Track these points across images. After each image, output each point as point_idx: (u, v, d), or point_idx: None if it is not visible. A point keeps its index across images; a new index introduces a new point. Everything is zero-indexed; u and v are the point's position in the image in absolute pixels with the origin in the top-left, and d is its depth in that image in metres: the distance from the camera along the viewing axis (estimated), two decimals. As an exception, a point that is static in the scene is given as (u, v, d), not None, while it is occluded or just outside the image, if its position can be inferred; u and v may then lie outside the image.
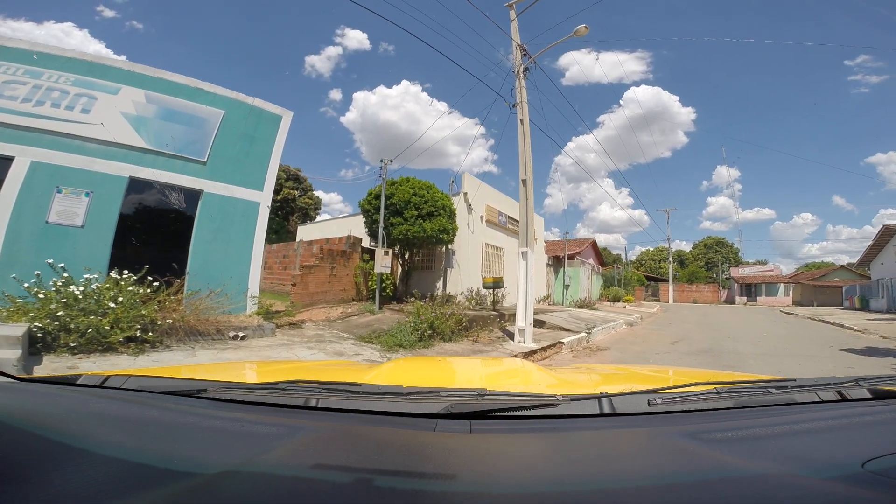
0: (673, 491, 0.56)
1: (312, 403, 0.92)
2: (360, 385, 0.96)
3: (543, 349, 7.39)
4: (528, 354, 6.87)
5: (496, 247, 15.32)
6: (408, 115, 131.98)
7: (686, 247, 59.88)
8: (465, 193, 13.42)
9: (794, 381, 1.08)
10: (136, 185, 6.36)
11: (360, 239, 12.89)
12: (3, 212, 5.28)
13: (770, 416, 0.94)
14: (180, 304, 5.54)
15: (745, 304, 35.13)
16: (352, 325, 8.46)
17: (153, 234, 6.72)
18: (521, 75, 9.50)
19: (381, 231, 10.69)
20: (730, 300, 39.83)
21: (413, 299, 10.19)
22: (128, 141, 6.32)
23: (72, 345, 4.27)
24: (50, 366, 3.88)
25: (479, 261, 14.31)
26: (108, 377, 1.05)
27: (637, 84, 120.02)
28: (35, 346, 4.19)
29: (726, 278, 44.91)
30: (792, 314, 20.20)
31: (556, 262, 21.00)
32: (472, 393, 0.91)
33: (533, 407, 0.88)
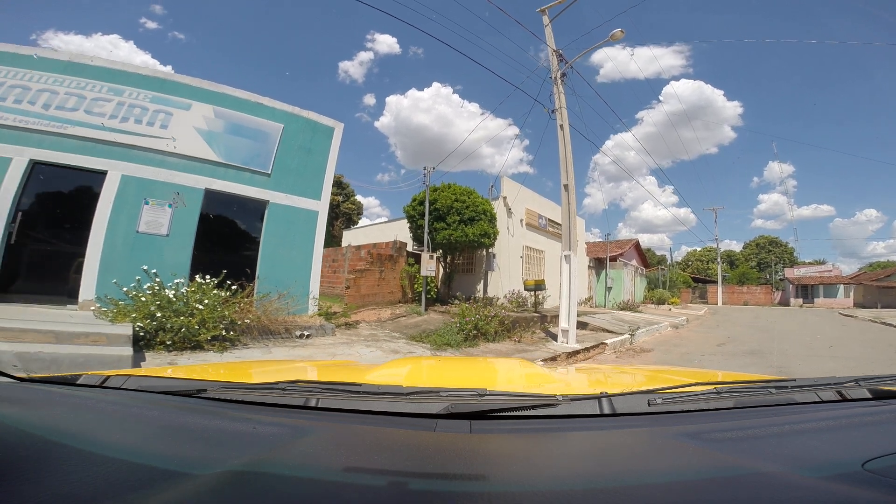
0: (673, 491, 0.56)
1: (312, 403, 0.93)
2: (360, 385, 0.97)
3: (587, 349, 7.54)
4: (572, 355, 7.07)
5: (537, 249, 15.46)
6: (440, 117, 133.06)
7: (736, 247, 57.33)
8: (505, 198, 13.68)
9: (794, 381, 1.10)
10: (210, 196, 6.98)
11: (405, 243, 13.41)
12: (100, 222, 6.00)
13: (770, 416, 0.94)
14: (252, 306, 6.15)
15: (801, 307, 33.24)
16: (401, 326, 8.92)
17: (226, 242, 7.35)
18: (559, 81, 9.60)
19: (426, 236, 11.16)
20: (784, 302, 37.81)
21: (457, 301, 10.56)
22: (202, 155, 6.96)
23: (167, 343, 4.81)
24: (153, 361, 4.43)
25: (520, 263, 14.49)
26: (107, 377, 1.07)
27: (677, 79, 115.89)
28: (137, 345, 4.66)
29: (780, 279, 42.62)
30: (851, 316, 19.11)
31: (598, 264, 20.82)
32: (473, 393, 0.91)
33: (533, 407, 0.88)
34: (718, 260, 39.22)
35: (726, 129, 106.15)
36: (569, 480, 0.61)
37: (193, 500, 0.50)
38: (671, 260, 42.48)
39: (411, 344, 7.03)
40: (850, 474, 0.60)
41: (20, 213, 5.64)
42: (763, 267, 49.34)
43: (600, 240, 22.67)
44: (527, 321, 9.73)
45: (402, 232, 15.07)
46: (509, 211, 13.74)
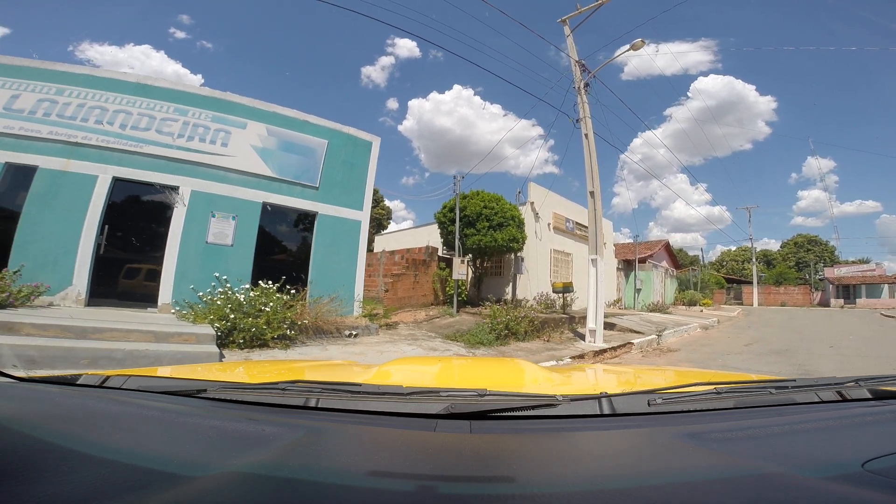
0: (673, 491, 0.56)
1: (312, 403, 0.93)
2: (360, 385, 0.98)
3: (613, 349, 7.89)
4: (599, 353, 7.44)
5: (564, 252, 15.77)
6: (462, 119, 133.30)
7: (775, 246, 55.55)
8: (532, 203, 14.08)
9: (794, 381, 1.10)
10: (267, 209, 7.70)
11: (437, 248, 13.99)
12: (175, 234, 6.78)
13: (770, 416, 0.95)
14: (306, 308, 6.83)
15: (842, 307, 32.05)
16: (436, 326, 9.46)
17: (282, 250, 8.07)
18: (582, 91, 9.84)
19: (457, 242, 11.72)
20: (824, 303, 36.50)
21: (487, 303, 11.03)
22: (258, 171, 7.68)
23: (240, 341, 5.46)
24: (230, 357, 5.07)
25: (548, 266, 14.84)
26: (107, 377, 1.07)
27: (705, 74, 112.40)
28: (214, 343, 5.48)
29: (820, 279, 41.12)
30: (893, 317, 18.55)
31: (627, 266, 20.87)
32: (473, 393, 0.91)
33: (533, 407, 0.89)
34: (753, 260, 38.27)
35: (760, 124, 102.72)
36: (570, 481, 0.61)
37: (193, 501, 0.51)
38: (703, 260, 41.54)
39: (447, 342, 7.57)
40: (850, 474, 0.61)
41: (106, 226, 6.48)
42: (802, 267, 47.64)
43: (630, 240, 22.70)
44: (555, 322, 10.11)
45: (431, 236, 15.68)
46: (536, 216, 14.13)
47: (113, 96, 6.93)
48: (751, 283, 36.80)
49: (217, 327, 5.44)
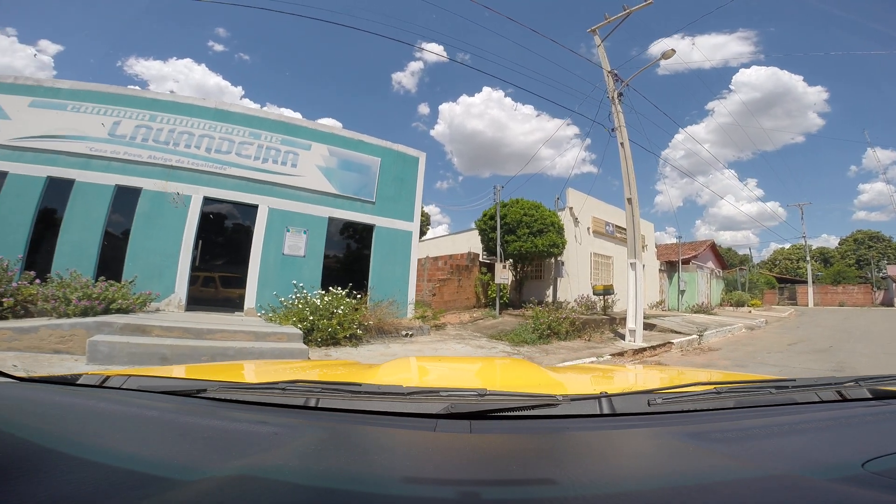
0: (672, 491, 0.57)
1: (312, 403, 0.93)
2: (360, 385, 0.98)
3: (653, 347, 8.22)
4: (638, 352, 7.83)
5: (604, 255, 16.00)
6: (493, 121, 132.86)
7: (834, 242, 52.54)
8: (571, 208, 14.46)
9: (794, 381, 1.11)
10: (332, 223, 8.61)
11: (478, 254, 14.64)
12: (256, 247, 7.77)
13: (770, 416, 0.95)
14: (367, 311, 7.66)
15: (909, 307, 30.10)
16: (480, 327, 10.09)
17: (346, 260, 8.98)
18: (616, 100, 10.05)
19: (499, 249, 12.35)
20: (887, 302, 34.18)
21: (529, 305, 11.54)
22: (324, 188, 8.59)
23: (318, 340, 6.27)
24: (314, 354, 5.96)
25: (588, 269, 15.11)
26: (107, 377, 1.07)
27: (746, 66, 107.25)
28: (302, 341, 6.23)
29: (882, 277, 38.59)
30: (964, 317, 17.51)
31: (670, 268, 20.70)
32: (473, 393, 0.92)
33: (533, 407, 0.89)
34: (807, 258, 36.51)
35: (811, 115, 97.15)
36: (569, 481, 0.60)
37: (193, 501, 0.51)
38: (752, 259, 40.01)
39: (492, 341, 8.18)
40: (850, 474, 0.61)
41: (200, 241, 7.56)
42: (862, 264, 44.84)
43: (674, 241, 22.46)
44: (596, 323, 10.49)
45: (470, 242, 16.34)
46: (576, 220, 14.51)
47: (197, 122, 7.96)
48: (805, 282, 35.15)
49: (300, 328, 6.26)
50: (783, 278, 41.00)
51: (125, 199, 7.34)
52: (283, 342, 5.48)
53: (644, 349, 8.02)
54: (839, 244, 51.12)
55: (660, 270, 20.30)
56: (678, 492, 0.56)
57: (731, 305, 22.29)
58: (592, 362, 6.56)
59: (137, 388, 1.03)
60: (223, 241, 7.97)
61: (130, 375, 1.08)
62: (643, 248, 18.25)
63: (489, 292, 13.47)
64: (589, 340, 8.95)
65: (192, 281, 7.40)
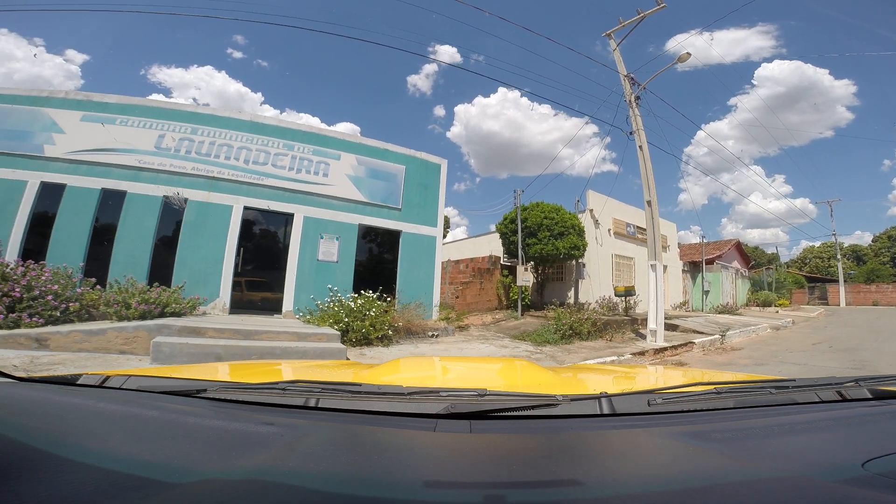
0: (672, 491, 0.57)
1: (312, 403, 0.94)
2: (360, 385, 0.99)
3: (674, 347, 8.36)
4: (659, 351, 8.00)
5: (626, 257, 16.05)
6: (510, 122, 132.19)
7: (867, 239, 50.78)
8: (591, 210, 14.60)
9: (794, 381, 1.11)
10: (362, 229, 9.06)
11: (499, 257, 14.92)
12: (293, 253, 8.26)
13: (770, 417, 0.96)
14: (396, 313, 8.06)
15: (949, 307, 28.97)
16: (503, 328, 10.38)
17: (375, 264, 9.44)
18: (634, 104, 10.16)
19: (520, 252, 12.62)
20: (926, 302, 33.06)
21: (551, 307, 11.76)
22: (353, 197, 9.05)
23: (353, 340, 6.69)
24: (350, 353, 6.31)
25: (610, 271, 15.17)
26: (107, 377, 1.08)
27: (768, 60, 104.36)
28: (339, 341, 6.64)
29: (920, 276, 37.25)
30: None
31: (693, 268, 20.59)
32: (473, 393, 0.92)
33: (533, 407, 0.90)
34: (838, 256, 35.47)
35: (840, 109, 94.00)
36: (568, 481, 0.61)
37: (193, 501, 0.52)
38: (780, 258, 39.06)
39: (515, 341, 8.47)
40: (850, 474, 0.61)
41: (241, 248, 8.09)
42: (899, 262, 43.31)
43: (700, 239, 22.25)
44: (618, 324, 10.65)
45: (490, 244, 16.64)
46: (596, 222, 14.64)
47: (234, 134, 8.48)
48: (836, 281, 34.19)
49: (336, 329, 6.67)
50: (813, 277, 39.92)
51: (173, 209, 7.90)
52: (323, 342, 5.90)
53: (665, 349, 8.19)
54: (873, 241, 49.44)
55: (683, 271, 20.19)
56: (680, 494, 0.56)
57: (757, 306, 21.96)
58: (613, 361, 6.78)
59: (137, 389, 1.03)
60: (262, 248, 8.50)
61: (130, 375, 1.09)
62: (665, 248, 18.29)
63: (511, 294, 13.74)
64: (610, 340, 9.14)
65: (235, 286, 7.92)
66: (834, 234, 34.64)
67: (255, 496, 0.53)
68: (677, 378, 1.66)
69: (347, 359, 5.64)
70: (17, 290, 5.77)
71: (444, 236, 36.15)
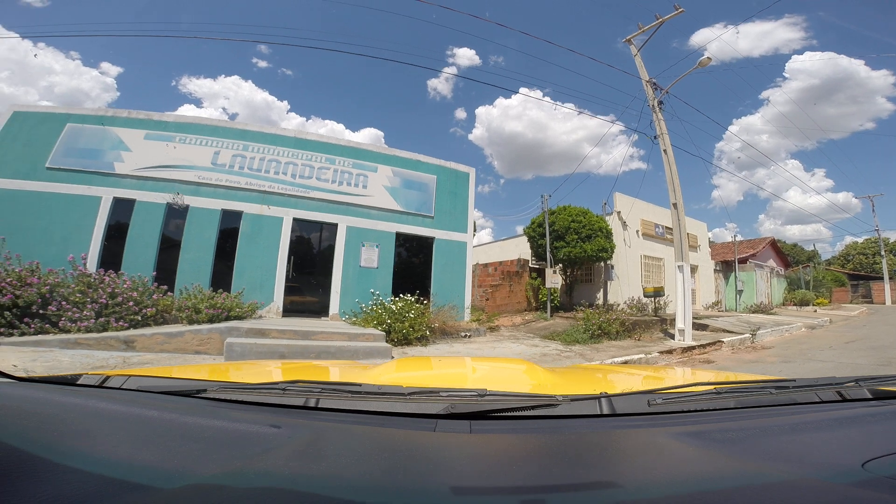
0: (670, 492, 0.57)
1: (312, 403, 0.94)
2: (360, 385, 1.00)
3: (702, 346, 8.55)
4: (687, 350, 8.23)
5: (655, 258, 16.15)
6: (533, 122, 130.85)
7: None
8: (619, 212, 14.82)
9: (795, 381, 1.12)
10: (399, 237, 9.71)
11: (528, 260, 15.31)
12: (338, 260, 8.97)
13: (770, 417, 0.96)
14: (431, 315, 8.62)
15: None
16: (533, 329, 10.78)
17: (411, 269, 10.09)
18: (657, 108, 10.35)
19: (548, 255, 13.02)
20: (982, 300, 31.27)
21: (580, 308, 12.06)
22: (390, 206, 9.70)
23: (394, 340, 7.28)
24: (393, 352, 6.89)
25: (639, 272, 15.36)
26: (107, 377, 1.09)
27: (799, 52, 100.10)
28: (384, 341, 7.22)
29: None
30: None
31: (726, 267, 20.40)
32: (473, 393, 0.93)
33: (533, 407, 0.90)
34: (882, 253, 34.00)
35: (880, 100, 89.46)
36: (568, 481, 0.61)
37: (192, 501, 0.53)
38: (822, 255, 37.70)
39: (545, 341, 8.87)
40: (850, 474, 0.62)
41: (292, 257, 8.82)
42: (952, 258, 41.00)
43: (738, 237, 21.96)
44: (646, 324, 10.87)
45: (518, 248, 17.02)
46: (624, 224, 14.85)
47: (281, 150, 9.23)
48: (881, 278, 32.81)
49: (380, 330, 7.31)
50: (857, 275, 38.25)
51: (230, 221, 8.70)
52: (371, 342, 6.50)
53: (693, 347, 8.40)
54: (923, 235, 46.91)
55: (715, 270, 20.03)
56: (675, 491, 0.57)
57: (794, 305, 21.52)
58: (640, 359, 7.10)
59: (137, 389, 1.04)
60: (310, 256, 9.26)
61: (130, 376, 1.09)
62: (695, 248, 18.24)
63: (540, 296, 14.12)
64: (639, 340, 9.40)
65: (287, 291, 8.67)
66: (877, 230, 33.25)
67: (255, 497, 0.53)
68: (678, 378, 1.66)
69: (392, 357, 6.19)
70: (104, 297, 6.60)
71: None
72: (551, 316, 12.67)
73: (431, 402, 0.92)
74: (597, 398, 0.94)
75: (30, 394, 0.95)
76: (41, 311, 6.32)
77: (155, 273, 7.92)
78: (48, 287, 6.48)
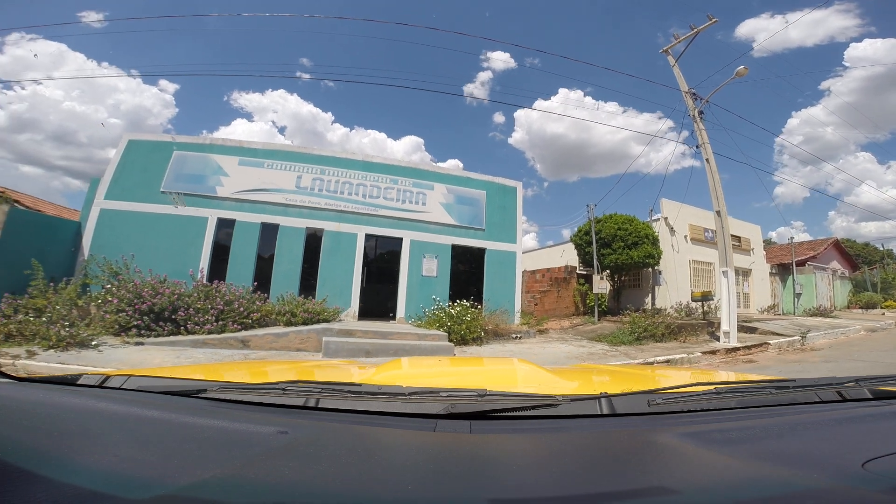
0: (670, 491, 0.58)
1: (312, 403, 0.95)
2: (360, 385, 1.01)
3: (747, 347, 8.92)
4: (731, 351, 8.67)
5: (705, 262, 16.21)
6: (575, 123, 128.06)
7: None
8: (665, 218, 15.18)
9: (795, 381, 1.12)
10: (454, 248, 10.88)
11: (575, 267, 15.98)
12: (403, 270, 10.26)
13: (770, 417, 0.97)
14: (484, 318, 9.62)
15: None
16: (580, 331, 11.49)
17: (465, 277, 11.29)
18: (698, 118, 10.69)
19: (595, 262, 13.71)
20: None
21: (627, 312, 12.62)
22: (446, 221, 10.89)
23: (454, 340, 8.36)
24: (455, 350, 8.01)
25: (688, 276, 15.58)
26: (107, 377, 1.10)
27: (857, 40, 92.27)
28: (447, 340, 8.34)
29: None
30: None
31: (783, 270, 20.01)
32: (473, 393, 0.93)
33: (533, 407, 0.91)
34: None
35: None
36: (568, 481, 0.62)
37: (195, 499, 0.53)
38: (890, 256, 35.18)
39: (592, 342, 9.61)
40: (850, 474, 0.62)
41: (365, 267, 10.16)
42: None
43: (810, 235, 21.42)
44: (693, 327, 11.24)
45: (565, 253, 17.72)
46: (672, 230, 15.18)
47: (352, 173, 10.62)
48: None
49: (441, 331, 8.42)
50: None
51: (313, 238, 10.20)
52: (436, 341, 7.62)
53: (737, 349, 8.79)
54: None
55: (771, 274, 19.67)
56: (674, 490, 0.58)
57: (860, 308, 20.61)
58: (682, 359, 7.72)
59: (137, 389, 1.05)
60: (380, 267, 10.73)
61: (130, 376, 1.10)
62: (749, 251, 18.12)
63: (588, 301, 14.74)
64: (684, 342, 9.88)
65: (361, 297, 10.01)
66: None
67: (255, 497, 0.54)
68: (679, 378, 1.68)
69: (454, 355, 7.19)
70: (220, 303, 8.09)
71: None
72: (599, 320, 13.30)
73: (431, 402, 0.93)
74: (597, 398, 0.95)
75: (30, 394, 0.95)
76: (172, 317, 7.84)
77: (255, 283, 9.40)
78: (176, 296, 8.02)
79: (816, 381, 1.13)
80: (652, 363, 7.28)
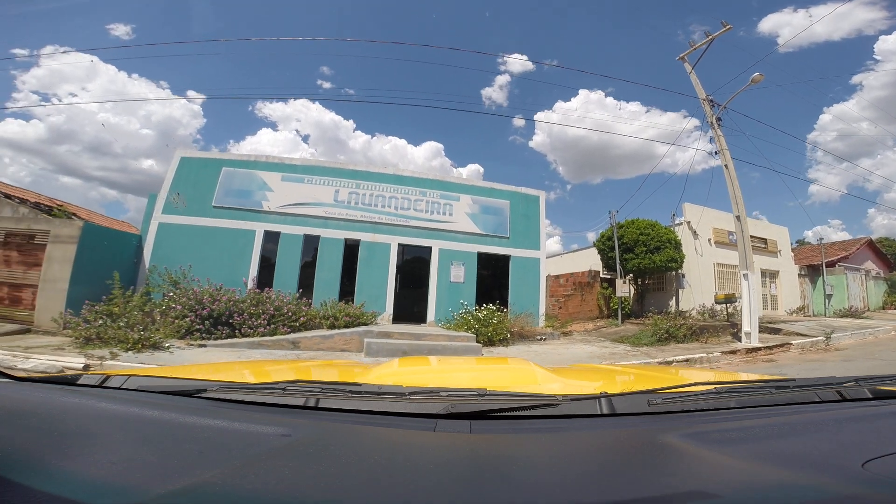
0: (671, 495, 0.57)
1: (312, 403, 0.95)
2: (360, 385, 1.01)
3: (768, 348, 9.12)
4: (751, 351, 8.89)
5: (729, 265, 16.21)
6: (597, 124, 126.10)
7: None
8: (688, 222, 15.41)
9: (794, 381, 1.12)
10: (480, 256, 11.59)
11: (598, 271, 16.37)
12: (433, 277, 11.04)
13: (770, 417, 0.96)
14: (510, 322, 10.19)
15: None
16: (604, 333, 11.92)
17: (490, 282, 11.96)
18: (716, 125, 10.90)
19: (618, 266, 14.11)
20: None
21: (650, 315, 12.96)
22: (472, 230, 11.61)
23: (481, 342, 9.02)
24: (482, 350, 8.61)
25: (712, 279, 15.73)
26: (107, 377, 1.10)
27: (886, 32, 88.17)
28: (475, 341, 8.97)
29: None
30: None
31: (814, 271, 19.82)
32: (473, 393, 0.94)
33: (533, 407, 0.91)
34: None
35: None
36: (569, 484, 0.62)
37: (192, 500, 0.53)
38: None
39: (614, 344, 10.06)
40: (850, 474, 0.62)
41: (398, 275, 10.92)
42: None
43: (848, 234, 21.12)
44: (715, 328, 11.48)
45: (588, 258, 18.09)
46: (694, 234, 15.40)
47: (384, 186, 11.46)
48: None
49: (470, 333, 9.06)
50: None
51: (351, 248, 11.05)
52: (465, 342, 8.29)
53: (758, 349, 8.97)
54: None
55: (800, 275, 19.51)
56: (674, 491, 0.58)
57: (895, 308, 20.24)
58: (701, 358, 8.10)
59: (137, 388, 1.05)
60: (411, 274, 11.48)
61: (130, 376, 1.11)
62: (776, 253, 18.10)
63: (611, 305, 15.11)
64: (705, 343, 10.14)
65: (395, 302, 10.77)
66: None
67: (255, 497, 0.54)
68: (680, 378, 1.67)
69: (482, 355, 7.75)
70: (271, 309, 8.94)
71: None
72: (622, 322, 13.67)
73: (431, 401, 0.94)
74: (597, 398, 0.96)
75: (30, 394, 0.96)
76: (228, 321, 8.71)
77: (300, 290, 10.25)
78: (231, 302, 8.89)
79: (816, 380, 1.13)
80: (671, 363, 7.69)
